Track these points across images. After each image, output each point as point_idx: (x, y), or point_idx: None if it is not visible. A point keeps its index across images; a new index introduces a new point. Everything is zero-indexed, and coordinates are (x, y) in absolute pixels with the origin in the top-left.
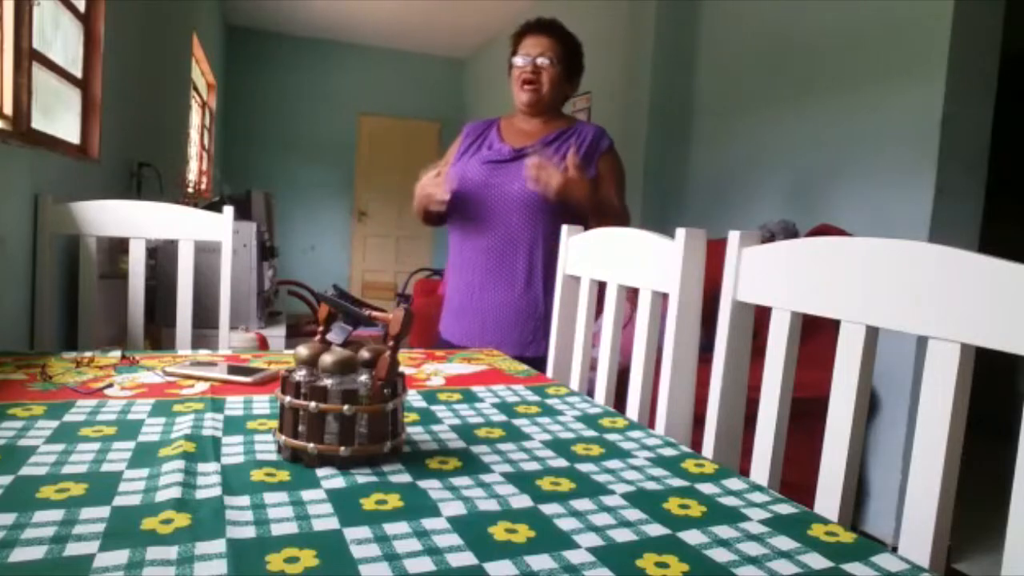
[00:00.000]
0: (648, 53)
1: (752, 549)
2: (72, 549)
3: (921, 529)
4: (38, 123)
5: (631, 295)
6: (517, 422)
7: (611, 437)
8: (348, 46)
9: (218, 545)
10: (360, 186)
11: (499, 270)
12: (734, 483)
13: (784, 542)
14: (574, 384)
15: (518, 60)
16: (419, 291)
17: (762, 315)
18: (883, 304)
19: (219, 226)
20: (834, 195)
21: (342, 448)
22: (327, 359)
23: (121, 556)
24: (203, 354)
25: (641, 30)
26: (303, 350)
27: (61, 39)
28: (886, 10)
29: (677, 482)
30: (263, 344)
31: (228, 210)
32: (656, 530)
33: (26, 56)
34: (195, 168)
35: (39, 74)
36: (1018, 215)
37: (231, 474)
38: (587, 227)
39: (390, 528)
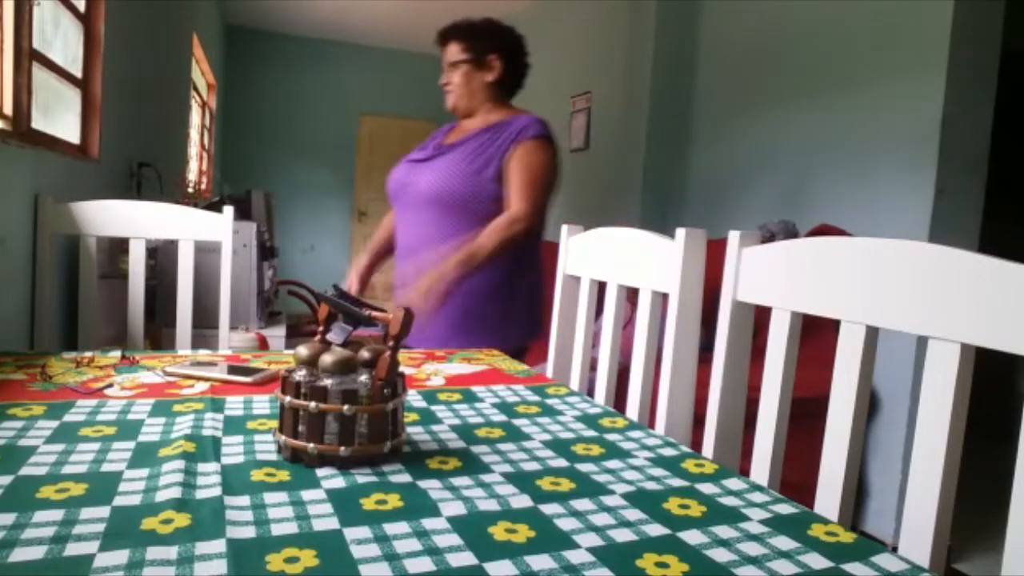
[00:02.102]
0: (648, 53)
1: (752, 549)
2: (72, 549)
3: (921, 529)
4: (38, 123)
5: (631, 295)
6: (517, 422)
7: (611, 437)
8: (348, 46)
9: (218, 545)
10: (360, 186)
11: (419, 268)
12: (734, 483)
13: (784, 542)
14: (574, 384)
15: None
16: None
17: (762, 315)
18: (883, 304)
19: (219, 226)
20: (834, 195)
21: (342, 448)
22: (327, 359)
23: (121, 556)
24: (203, 354)
25: (641, 30)
26: (303, 350)
27: (61, 39)
28: (886, 10)
29: (677, 482)
30: (263, 344)
31: (228, 210)
32: (656, 530)
33: (26, 56)
34: (195, 168)
35: (39, 74)
36: (1018, 215)
37: (231, 474)
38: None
39: (390, 528)
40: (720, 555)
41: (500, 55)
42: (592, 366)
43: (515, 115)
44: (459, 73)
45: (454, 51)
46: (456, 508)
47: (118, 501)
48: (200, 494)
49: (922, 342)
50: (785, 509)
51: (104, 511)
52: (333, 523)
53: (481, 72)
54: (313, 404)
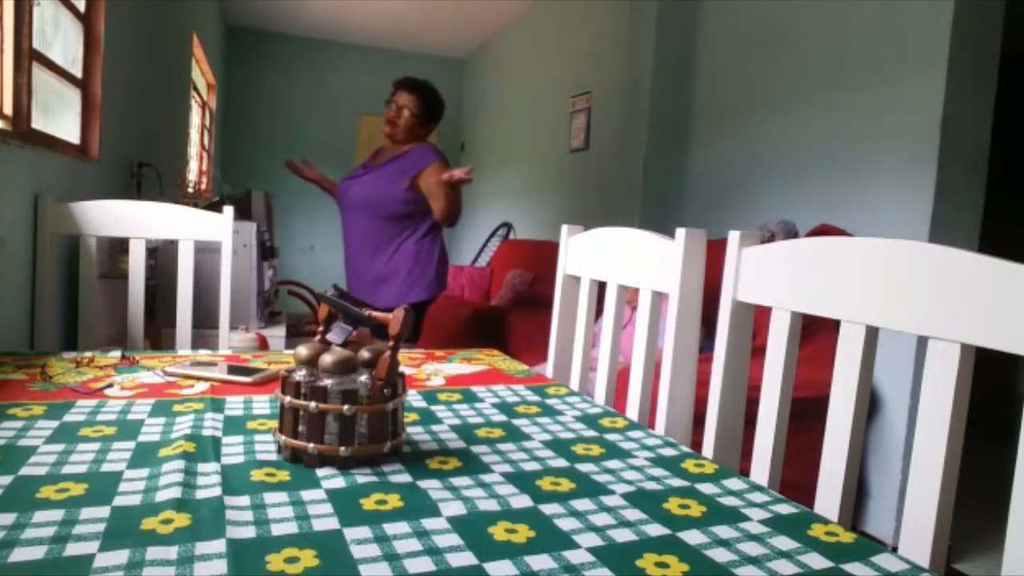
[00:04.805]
0: (648, 54)
1: (752, 549)
2: (72, 549)
3: (921, 529)
4: (38, 123)
5: (630, 297)
6: (517, 422)
7: (611, 437)
8: (348, 46)
9: (218, 545)
10: None
11: (353, 258)
12: (734, 483)
13: (784, 542)
14: (574, 384)
15: (389, 104)
16: None
17: (762, 315)
18: (883, 304)
19: (219, 226)
20: (834, 195)
21: (342, 448)
22: (327, 359)
23: (121, 556)
24: (203, 354)
25: (641, 30)
26: (303, 350)
27: (61, 39)
28: (886, 10)
29: (677, 482)
30: (263, 344)
31: (228, 210)
32: (656, 530)
33: (26, 56)
34: (195, 168)
35: (39, 74)
36: (1018, 215)
37: (231, 474)
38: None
39: (390, 528)
40: (720, 555)
41: (436, 123)
42: (592, 366)
43: (413, 147)
44: (408, 118)
45: (409, 99)
46: (456, 508)
47: (118, 501)
48: (200, 494)
49: (922, 342)
50: (785, 509)
51: (104, 511)
52: (333, 523)
53: (425, 128)
54: (313, 404)
